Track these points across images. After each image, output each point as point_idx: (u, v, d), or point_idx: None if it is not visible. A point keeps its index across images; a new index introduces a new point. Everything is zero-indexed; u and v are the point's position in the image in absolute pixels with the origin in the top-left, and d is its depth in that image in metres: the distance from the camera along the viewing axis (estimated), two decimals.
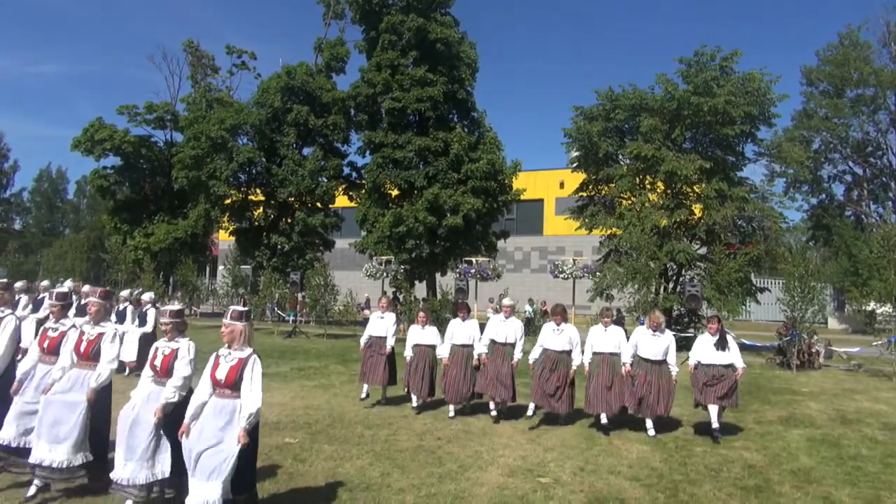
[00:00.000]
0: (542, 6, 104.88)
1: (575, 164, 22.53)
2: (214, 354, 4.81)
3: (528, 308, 26.58)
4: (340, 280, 23.48)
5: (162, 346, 5.12)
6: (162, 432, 4.89)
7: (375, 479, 6.01)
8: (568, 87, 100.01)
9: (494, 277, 20.73)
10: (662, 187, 20.29)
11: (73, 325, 5.71)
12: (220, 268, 34.98)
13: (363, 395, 9.78)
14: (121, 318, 11.77)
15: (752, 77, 19.15)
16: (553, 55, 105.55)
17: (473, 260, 20.77)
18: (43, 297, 11.34)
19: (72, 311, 7.40)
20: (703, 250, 20.42)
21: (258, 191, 29.42)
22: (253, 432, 4.67)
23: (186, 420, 4.64)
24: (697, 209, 19.90)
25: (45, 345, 5.62)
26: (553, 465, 6.68)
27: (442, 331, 9.69)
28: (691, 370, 8.40)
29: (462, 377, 8.84)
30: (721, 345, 8.30)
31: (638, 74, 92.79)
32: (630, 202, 20.40)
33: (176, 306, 5.42)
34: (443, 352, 9.21)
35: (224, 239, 38.14)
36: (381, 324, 9.81)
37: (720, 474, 6.52)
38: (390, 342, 9.69)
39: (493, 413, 8.74)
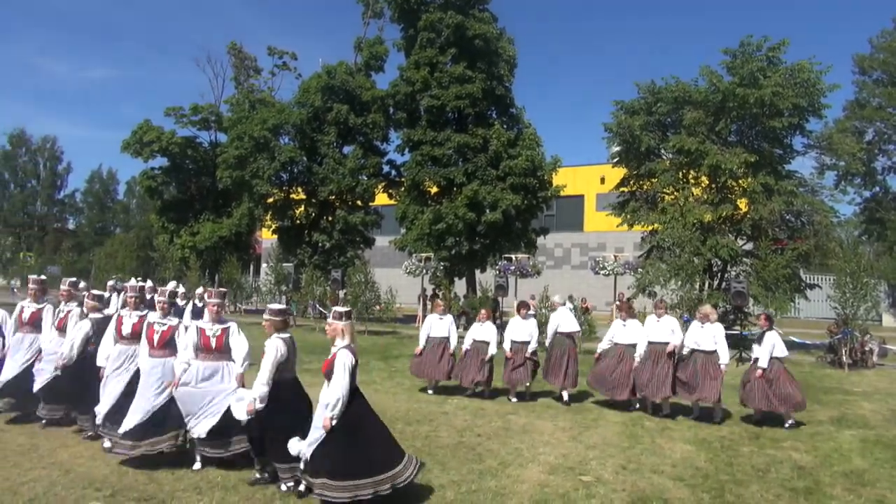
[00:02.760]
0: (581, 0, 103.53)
1: (616, 159, 22.21)
2: (350, 352, 5.29)
3: (569, 305, 26.32)
4: (381, 277, 23.65)
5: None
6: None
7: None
8: (608, 82, 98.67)
9: (534, 274, 20.59)
10: (706, 182, 19.87)
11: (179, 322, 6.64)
12: (264, 266, 35.64)
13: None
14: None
15: (802, 67, 18.55)
16: (593, 49, 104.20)
17: (513, 257, 20.67)
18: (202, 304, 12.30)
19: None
20: (749, 246, 19.92)
21: (300, 189, 29.86)
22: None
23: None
24: (743, 204, 19.42)
25: (156, 339, 6.36)
26: (595, 463, 6.61)
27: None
28: (760, 374, 8.47)
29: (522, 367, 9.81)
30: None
31: (680, 67, 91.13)
32: (673, 197, 20.03)
33: (279, 305, 6.00)
34: (505, 346, 9.99)
35: (267, 237, 38.83)
36: (441, 324, 10.53)
37: (768, 475, 6.36)
38: (454, 342, 10.41)
39: (566, 398, 9.75)
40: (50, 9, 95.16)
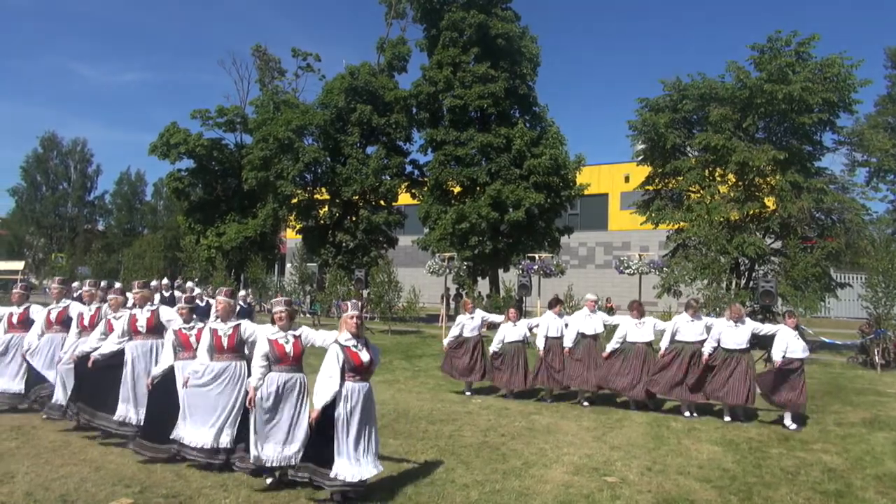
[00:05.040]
0: None
1: (641, 158, 21.99)
2: (340, 347, 5.31)
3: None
4: (404, 277, 23.71)
5: (281, 336, 5.60)
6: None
7: (440, 474, 6.03)
8: (633, 80, 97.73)
9: (558, 274, 20.47)
10: (733, 179, 19.58)
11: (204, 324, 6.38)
12: (288, 265, 35.91)
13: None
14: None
15: (832, 62, 18.18)
16: (617, 46, 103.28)
17: (536, 256, 20.57)
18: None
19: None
20: (778, 244, 19.57)
21: (323, 190, 30.07)
22: None
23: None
24: (770, 202, 19.09)
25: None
26: (619, 464, 6.55)
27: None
28: (777, 364, 8.57)
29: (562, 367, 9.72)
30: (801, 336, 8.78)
31: (706, 63, 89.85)
32: (699, 195, 19.77)
33: (284, 298, 6.02)
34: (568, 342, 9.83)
35: (291, 237, 39.15)
36: (472, 324, 10.57)
37: (797, 478, 6.24)
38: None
39: (585, 403, 9.57)
40: (83, 16, 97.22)
